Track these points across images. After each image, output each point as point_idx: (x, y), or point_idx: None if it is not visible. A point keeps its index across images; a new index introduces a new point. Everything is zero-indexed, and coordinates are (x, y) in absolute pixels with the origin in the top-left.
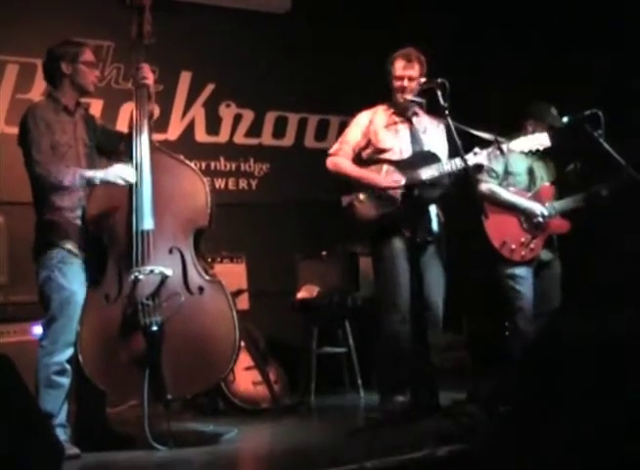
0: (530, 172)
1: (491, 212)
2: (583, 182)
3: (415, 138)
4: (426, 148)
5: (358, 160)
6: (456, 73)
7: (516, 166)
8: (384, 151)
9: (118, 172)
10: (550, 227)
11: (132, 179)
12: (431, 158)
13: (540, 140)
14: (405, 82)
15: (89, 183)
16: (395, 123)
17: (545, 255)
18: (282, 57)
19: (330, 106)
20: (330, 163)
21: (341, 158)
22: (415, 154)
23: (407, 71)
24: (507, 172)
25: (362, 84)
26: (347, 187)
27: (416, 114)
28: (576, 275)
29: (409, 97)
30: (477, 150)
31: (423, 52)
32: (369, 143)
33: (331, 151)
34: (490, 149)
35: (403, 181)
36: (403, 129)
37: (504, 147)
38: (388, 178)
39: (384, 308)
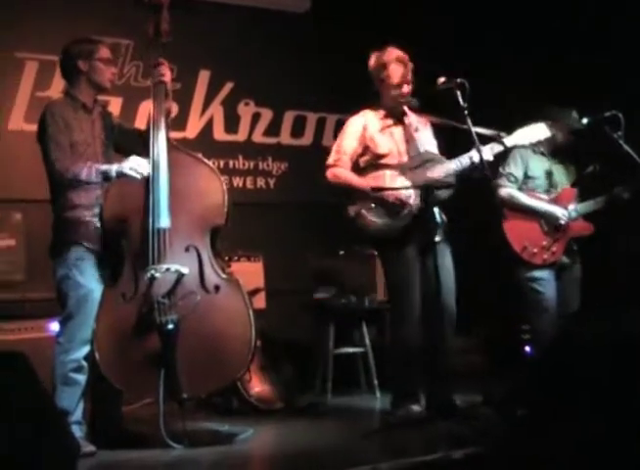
0: (549, 176)
1: (511, 217)
2: (602, 185)
3: (410, 138)
4: (420, 147)
5: (355, 168)
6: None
7: (535, 170)
8: (383, 156)
9: (133, 165)
10: (572, 230)
11: (146, 172)
12: (431, 158)
13: (539, 130)
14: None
15: (105, 177)
16: (389, 127)
17: (566, 258)
18: (301, 56)
19: (349, 105)
20: (330, 174)
21: (341, 168)
22: (414, 157)
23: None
24: (527, 176)
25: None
26: (350, 197)
27: (405, 113)
28: (596, 277)
29: (407, 100)
30: (479, 146)
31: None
32: (366, 150)
33: (329, 161)
34: (492, 144)
35: (409, 184)
36: (397, 131)
37: (506, 141)
38: (394, 184)
39: (396, 314)
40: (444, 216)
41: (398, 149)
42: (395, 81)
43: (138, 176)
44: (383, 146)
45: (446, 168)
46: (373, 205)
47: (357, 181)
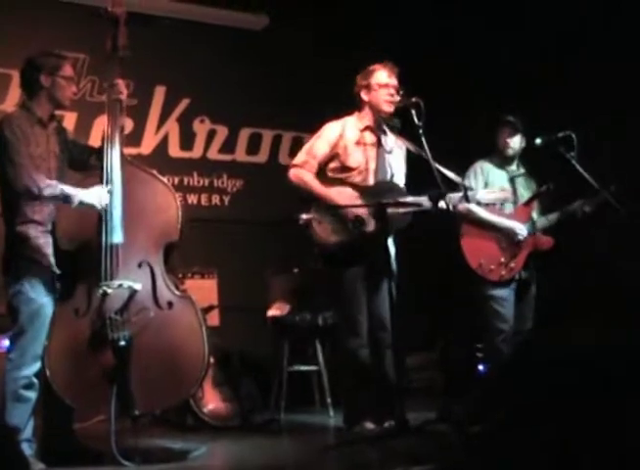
0: (512, 188)
1: (468, 233)
2: (557, 203)
3: (381, 160)
4: (389, 170)
5: (322, 175)
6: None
7: (496, 183)
8: (350, 169)
9: (97, 196)
10: (532, 244)
11: (105, 203)
12: (393, 188)
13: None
14: (391, 90)
15: (66, 200)
16: (365, 144)
17: (525, 274)
18: (257, 73)
19: (304, 123)
20: (293, 174)
21: (305, 171)
22: (380, 183)
23: (391, 80)
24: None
25: (337, 102)
26: (306, 203)
27: (384, 132)
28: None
29: (391, 109)
30: (443, 192)
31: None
32: (336, 157)
33: (296, 161)
34: (458, 196)
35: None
36: (371, 150)
37: (470, 195)
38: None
39: (344, 334)
40: (394, 248)
41: (367, 166)
42: (381, 82)
43: (99, 208)
44: (353, 159)
45: (406, 202)
46: (324, 218)
47: (319, 190)
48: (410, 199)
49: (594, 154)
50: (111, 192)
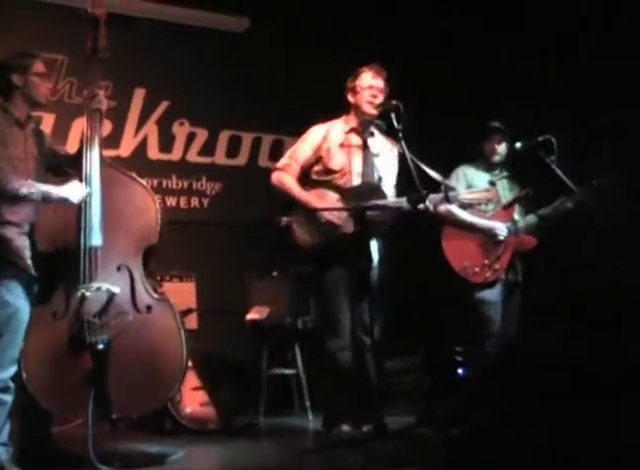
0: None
1: (450, 235)
2: (539, 206)
3: (367, 163)
4: (376, 173)
5: (306, 179)
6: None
7: (479, 185)
8: (332, 172)
9: (74, 191)
10: (515, 244)
11: (84, 196)
12: (377, 191)
13: (489, 195)
14: (374, 92)
15: (44, 199)
16: (350, 146)
17: (511, 276)
18: (237, 76)
19: (284, 126)
20: (275, 178)
21: (287, 175)
22: (363, 184)
23: (376, 81)
24: None
25: (318, 104)
26: (288, 206)
27: (372, 134)
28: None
29: (375, 111)
30: (425, 194)
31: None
32: (319, 160)
33: (278, 165)
34: (439, 197)
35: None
36: (356, 152)
37: (451, 195)
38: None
39: (323, 336)
40: (382, 247)
41: (352, 169)
42: (364, 85)
43: (75, 202)
44: (336, 162)
45: (384, 205)
46: (303, 220)
47: (298, 193)
48: (390, 201)
49: (594, 154)
50: (90, 194)
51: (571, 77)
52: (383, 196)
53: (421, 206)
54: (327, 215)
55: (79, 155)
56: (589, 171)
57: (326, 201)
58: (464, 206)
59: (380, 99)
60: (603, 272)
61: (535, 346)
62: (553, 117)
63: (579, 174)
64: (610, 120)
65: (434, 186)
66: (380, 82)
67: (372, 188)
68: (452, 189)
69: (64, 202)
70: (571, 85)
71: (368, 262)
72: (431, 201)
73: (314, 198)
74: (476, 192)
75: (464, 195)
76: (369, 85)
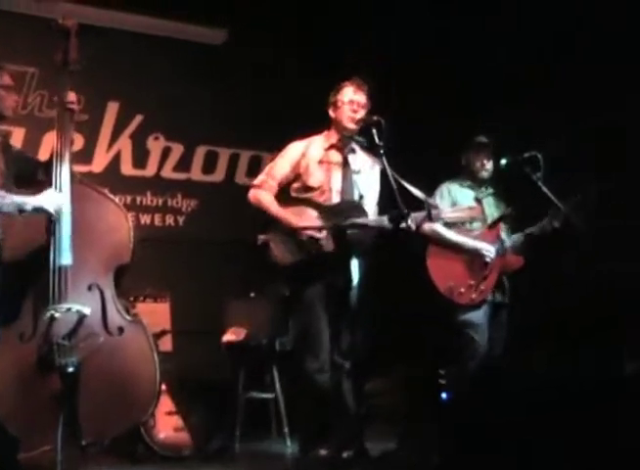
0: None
1: (435, 255)
2: (525, 224)
3: (347, 180)
4: (356, 191)
5: (285, 196)
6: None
7: (462, 203)
8: (311, 189)
9: (51, 200)
10: (501, 265)
11: (60, 205)
12: (357, 209)
13: (474, 212)
14: (355, 107)
15: (20, 210)
16: (330, 162)
17: (497, 297)
18: (214, 90)
19: (263, 141)
20: (252, 195)
21: (264, 192)
22: (342, 201)
23: (357, 96)
24: None
25: (297, 120)
26: (266, 224)
27: (353, 150)
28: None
29: (356, 127)
30: (406, 212)
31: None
32: (298, 177)
33: (255, 182)
34: (421, 215)
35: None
36: (336, 169)
37: (434, 213)
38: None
39: (302, 357)
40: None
41: (331, 186)
42: (345, 100)
43: (52, 210)
44: (314, 179)
45: (365, 223)
46: (280, 237)
47: (276, 211)
48: (370, 220)
49: (581, 158)
50: (59, 212)
51: (559, 80)
52: (363, 213)
53: (403, 224)
54: (307, 232)
55: (49, 166)
56: (573, 181)
57: (304, 218)
58: (448, 224)
59: (361, 114)
60: (585, 286)
61: (520, 367)
62: (541, 122)
63: (564, 185)
64: (601, 123)
65: (418, 204)
66: (361, 97)
67: (351, 206)
68: (435, 207)
69: (39, 212)
70: (559, 88)
71: (348, 282)
72: (413, 220)
73: (292, 215)
74: (459, 210)
75: (447, 213)
76: (350, 100)
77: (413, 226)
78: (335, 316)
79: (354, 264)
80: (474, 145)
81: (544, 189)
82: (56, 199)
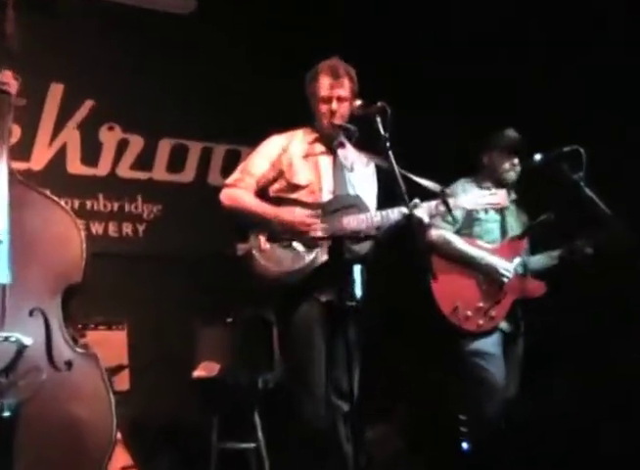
0: (502, 219)
1: (440, 270)
2: (557, 238)
3: (338, 175)
4: (350, 188)
5: (264, 198)
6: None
7: (479, 212)
8: (298, 188)
9: None
10: (519, 290)
11: None
12: (356, 204)
13: (498, 198)
14: (334, 105)
15: None
16: (315, 155)
17: (509, 326)
18: (181, 69)
19: (241, 133)
20: (225, 196)
21: (240, 190)
22: (337, 198)
23: (335, 91)
24: (474, 218)
25: (281, 106)
26: (244, 232)
27: (342, 144)
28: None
29: (339, 122)
30: (416, 201)
31: (351, 64)
32: (280, 176)
33: (228, 181)
34: (434, 203)
35: (320, 233)
36: (325, 163)
37: (451, 202)
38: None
39: (292, 397)
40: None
41: (320, 184)
42: (321, 95)
43: None
44: (301, 176)
45: (368, 220)
46: (266, 243)
47: (261, 209)
48: (376, 214)
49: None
50: None
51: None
52: (364, 208)
53: (416, 213)
54: (308, 225)
55: None
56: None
57: (298, 216)
58: (459, 232)
59: (344, 108)
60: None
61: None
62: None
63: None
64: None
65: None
66: (340, 90)
67: (351, 201)
68: (449, 195)
69: None
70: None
71: (349, 298)
72: (424, 210)
73: (284, 211)
74: (480, 195)
75: (466, 200)
76: (328, 96)
77: (426, 218)
78: (332, 344)
79: (357, 276)
80: (501, 140)
81: (587, 191)
82: None
